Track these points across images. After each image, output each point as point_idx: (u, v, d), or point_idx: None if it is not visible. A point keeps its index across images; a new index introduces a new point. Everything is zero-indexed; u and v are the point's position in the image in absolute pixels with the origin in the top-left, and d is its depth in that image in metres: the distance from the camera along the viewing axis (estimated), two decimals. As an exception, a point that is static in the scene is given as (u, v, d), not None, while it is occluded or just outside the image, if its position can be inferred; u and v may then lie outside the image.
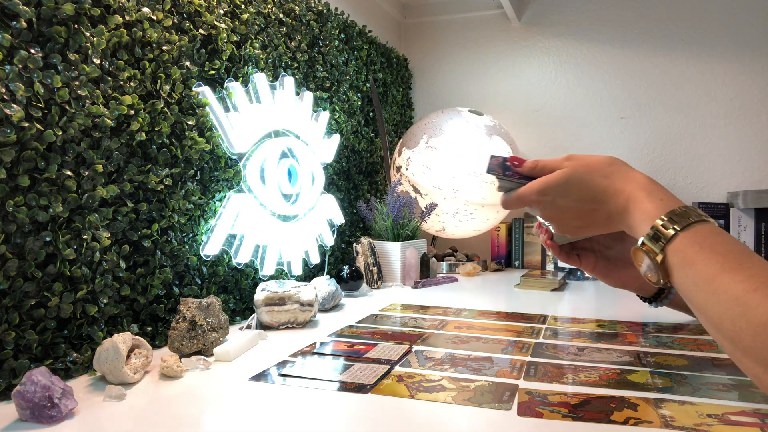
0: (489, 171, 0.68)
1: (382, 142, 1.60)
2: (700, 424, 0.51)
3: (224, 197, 0.95)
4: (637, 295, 0.80)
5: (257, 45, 1.05)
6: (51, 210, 0.65)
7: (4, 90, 0.60)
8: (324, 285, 1.05)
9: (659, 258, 0.51)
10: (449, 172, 1.49)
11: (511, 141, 1.59)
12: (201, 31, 0.91)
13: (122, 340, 0.64)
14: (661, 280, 0.52)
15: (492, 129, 1.56)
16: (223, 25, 0.95)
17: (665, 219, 0.51)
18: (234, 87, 0.97)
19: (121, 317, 0.76)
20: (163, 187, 0.82)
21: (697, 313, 0.49)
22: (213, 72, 0.94)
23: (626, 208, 0.57)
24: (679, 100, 1.67)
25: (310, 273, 1.23)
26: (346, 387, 0.62)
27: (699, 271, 0.47)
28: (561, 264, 1.46)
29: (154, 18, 0.81)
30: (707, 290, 0.47)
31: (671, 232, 0.50)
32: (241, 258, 0.98)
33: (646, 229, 0.53)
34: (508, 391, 0.60)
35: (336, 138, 1.29)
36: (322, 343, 0.80)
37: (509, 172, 0.67)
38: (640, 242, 0.54)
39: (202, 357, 0.71)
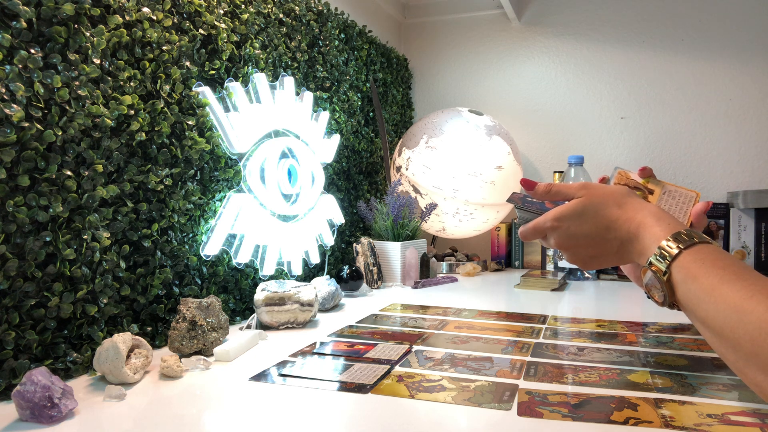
0: (508, 200, 0.71)
1: (382, 142, 1.60)
2: (700, 424, 0.51)
3: (224, 197, 0.95)
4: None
5: (257, 45, 1.05)
6: (51, 210, 0.65)
7: (4, 90, 0.60)
8: (324, 285, 1.05)
9: (665, 277, 0.53)
10: (449, 172, 1.49)
11: (511, 141, 1.59)
12: (201, 31, 0.91)
13: (122, 340, 0.64)
14: (667, 300, 0.54)
15: (492, 129, 1.56)
16: (223, 25, 0.95)
17: (670, 239, 0.54)
18: (234, 87, 0.97)
19: (121, 317, 0.76)
20: (163, 187, 0.82)
21: (702, 328, 0.51)
22: (213, 72, 0.94)
23: (636, 234, 0.59)
24: (679, 100, 1.67)
25: (310, 273, 1.23)
26: (346, 387, 0.62)
27: (701, 284, 0.49)
28: (561, 264, 1.46)
29: (154, 18, 0.81)
30: (708, 301, 0.48)
31: (675, 250, 0.53)
32: (241, 258, 0.98)
33: (654, 250, 0.55)
34: (508, 391, 0.60)
35: (336, 138, 1.29)
36: (322, 343, 0.80)
37: (528, 204, 0.70)
38: (648, 263, 0.55)
39: (202, 357, 0.71)
